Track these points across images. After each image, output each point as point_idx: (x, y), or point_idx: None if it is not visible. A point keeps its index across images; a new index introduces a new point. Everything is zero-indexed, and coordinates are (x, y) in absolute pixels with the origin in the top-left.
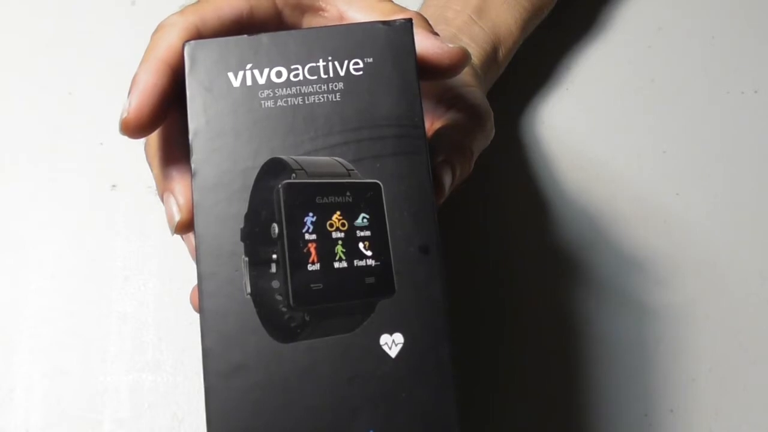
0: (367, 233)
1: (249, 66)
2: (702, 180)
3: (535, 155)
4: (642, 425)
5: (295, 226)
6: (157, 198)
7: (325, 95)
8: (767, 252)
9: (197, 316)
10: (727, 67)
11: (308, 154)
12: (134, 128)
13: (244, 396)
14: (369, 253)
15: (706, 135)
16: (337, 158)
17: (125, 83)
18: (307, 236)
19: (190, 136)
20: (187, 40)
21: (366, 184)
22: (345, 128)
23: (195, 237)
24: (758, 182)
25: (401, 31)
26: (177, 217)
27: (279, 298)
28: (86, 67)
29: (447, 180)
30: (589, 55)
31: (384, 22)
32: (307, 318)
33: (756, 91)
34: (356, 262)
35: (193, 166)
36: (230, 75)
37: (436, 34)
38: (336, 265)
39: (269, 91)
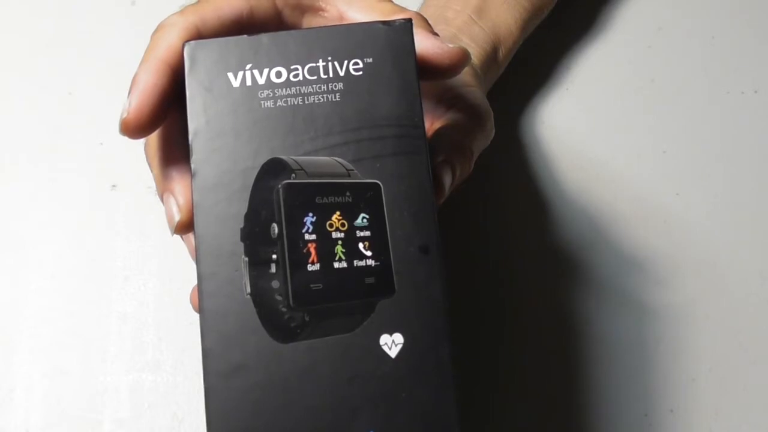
0: (367, 233)
1: (249, 66)
2: (702, 180)
3: (535, 155)
4: (642, 425)
5: (294, 226)
6: (157, 198)
7: (324, 95)
8: (767, 252)
9: (197, 316)
10: (727, 67)
11: (308, 154)
12: (134, 128)
13: (244, 396)
14: (369, 253)
15: (706, 135)
16: (336, 158)
17: (125, 83)
18: (306, 236)
19: (190, 136)
20: (187, 40)
21: (366, 184)
22: (345, 128)
23: (195, 237)
24: (758, 182)
25: (401, 31)
26: (177, 218)
27: (279, 298)
28: (86, 67)
29: (447, 180)
30: (589, 55)
31: (384, 22)
32: (307, 318)
33: (756, 91)
34: (356, 263)
35: (193, 166)
36: (230, 75)
37: (436, 34)
38: (336, 265)
39: (269, 92)
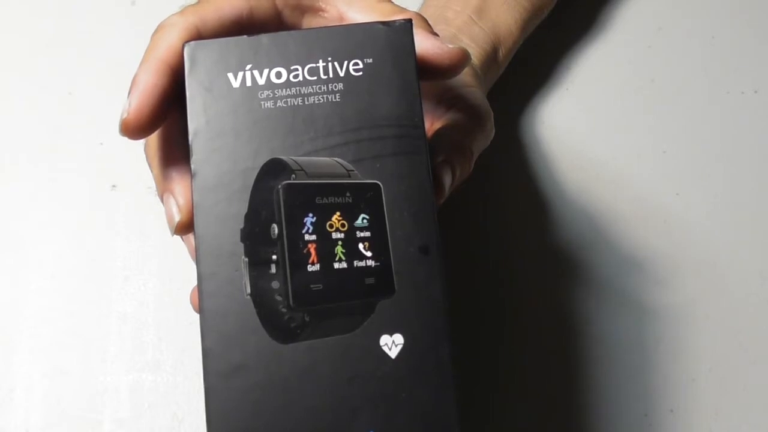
0: (367, 234)
1: (249, 66)
2: (702, 180)
3: (535, 155)
4: (642, 425)
5: (294, 226)
6: (157, 198)
7: (324, 96)
8: (767, 252)
9: (197, 316)
10: (727, 67)
11: (308, 154)
12: (134, 129)
13: (244, 396)
14: (369, 253)
15: (706, 135)
16: (336, 159)
17: (125, 83)
18: (306, 237)
19: (190, 137)
20: (187, 41)
21: (366, 185)
22: (345, 129)
23: (195, 237)
24: (758, 182)
25: (401, 31)
26: (177, 218)
27: (279, 298)
28: (86, 67)
29: (447, 180)
30: (589, 55)
31: (384, 23)
32: (307, 318)
33: (756, 91)
34: (356, 263)
35: (193, 166)
36: (230, 75)
37: (436, 34)
38: (336, 265)
39: (269, 92)
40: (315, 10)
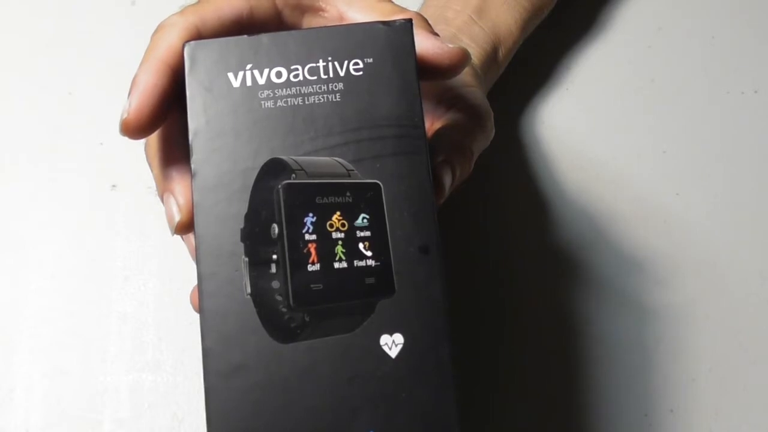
0: (367, 233)
1: (249, 66)
2: (702, 180)
3: (535, 155)
4: (642, 425)
5: (295, 226)
6: (157, 198)
7: (325, 95)
8: (767, 252)
9: (197, 316)
10: (727, 67)
11: (308, 154)
12: (134, 129)
13: (244, 396)
14: (369, 253)
15: (706, 135)
16: (337, 158)
17: (125, 83)
18: (307, 236)
19: (190, 137)
20: (187, 41)
21: (366, 185)
22: (345, 128)
23: (195, 237)
24: (758, 182)
25: (401, 31)
26: (177, 218)
27: (279, 298)
28: (86, 67)
29: (447, 180)
30: (589, 55)
31: (384, 23)
32: (307, 318)
33: (756, 91)
34: (356, 263)
35: (193, 166)
36: (230, 75)
37: (436, 34)
38: (336, 265)
39: (269, 92)
40: (315, 10)
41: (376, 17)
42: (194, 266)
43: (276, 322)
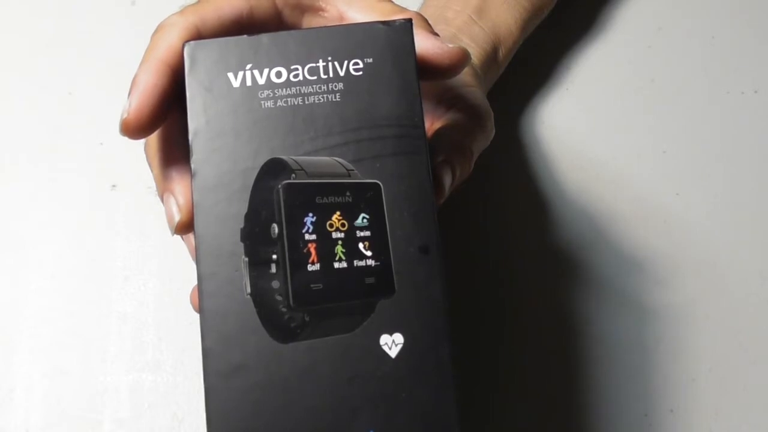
0: (367, 233)
1: (249, 66)
2: (702, 180)
3: (535, 155)
4: (642, 425)
5: (295, 226)
6: (157, 198)
7: (324, 95)
8: (767, 252)
9: (197, 316)
10: (727, 67)
11: (308, 154)
12: (134, 129)
13: (244, 396)
14: (369, 253)
15: (706, 135)
16: (336, 158)
17: (125, 83)
18: (307, 236)
19: (190, 136)
20: (187, 41)
21: (366, 185)
22: (345, 128)
23: (195, 237)
24: (758, 182)
25: (401, 31)
26: (177, 218)
27: (279, 298)
28: (86, 67)
29: (447, 180)
30: (589, 55)
31: (384, 23)
32: (307, 318)
33: (756, 91)
34: (356, 263)
35: (193, 166)
36: (230, 75)
37: (436, 34)
38: (336, 265)
39: (269, 92)
40: (315, 10)
41: (376, 17)
42: (194, 266)
43: (276, 322)
